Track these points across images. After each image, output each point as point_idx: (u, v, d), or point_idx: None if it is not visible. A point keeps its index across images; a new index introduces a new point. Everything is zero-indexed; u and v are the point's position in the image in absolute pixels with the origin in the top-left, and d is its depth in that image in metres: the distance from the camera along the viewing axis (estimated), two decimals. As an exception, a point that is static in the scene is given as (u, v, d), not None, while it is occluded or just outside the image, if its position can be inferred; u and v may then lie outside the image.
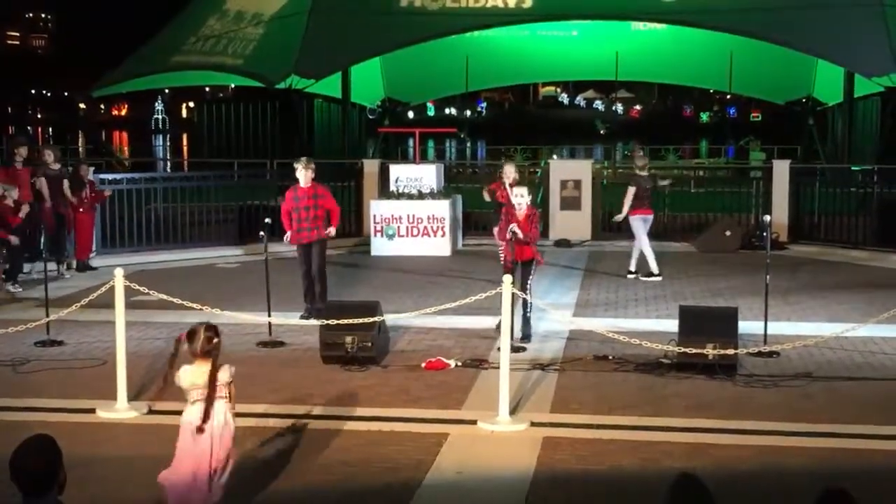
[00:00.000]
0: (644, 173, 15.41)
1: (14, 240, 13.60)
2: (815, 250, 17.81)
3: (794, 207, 18.85)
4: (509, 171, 14.58)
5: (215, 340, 5.85)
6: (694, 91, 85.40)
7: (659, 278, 14.82)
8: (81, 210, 15.79)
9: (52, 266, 14.47)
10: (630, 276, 15.02)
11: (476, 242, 18.74)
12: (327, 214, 12.23)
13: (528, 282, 11.05)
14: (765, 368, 9.78)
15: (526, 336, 10.98)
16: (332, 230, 12.25)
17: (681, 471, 4.19)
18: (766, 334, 10.45)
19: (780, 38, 23.12)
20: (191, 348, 5.82)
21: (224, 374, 5.89)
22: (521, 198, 11.14)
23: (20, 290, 13.89)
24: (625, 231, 19.48)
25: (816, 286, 14.38)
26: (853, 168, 22.20)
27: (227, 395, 5.91)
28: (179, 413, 7.97)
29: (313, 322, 10.90)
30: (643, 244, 15.06)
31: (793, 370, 9.73)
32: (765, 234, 12.03)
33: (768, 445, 7.69)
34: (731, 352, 9.37)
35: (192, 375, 5.86)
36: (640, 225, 15.13)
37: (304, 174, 12.06)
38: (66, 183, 15.47)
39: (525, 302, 10.85)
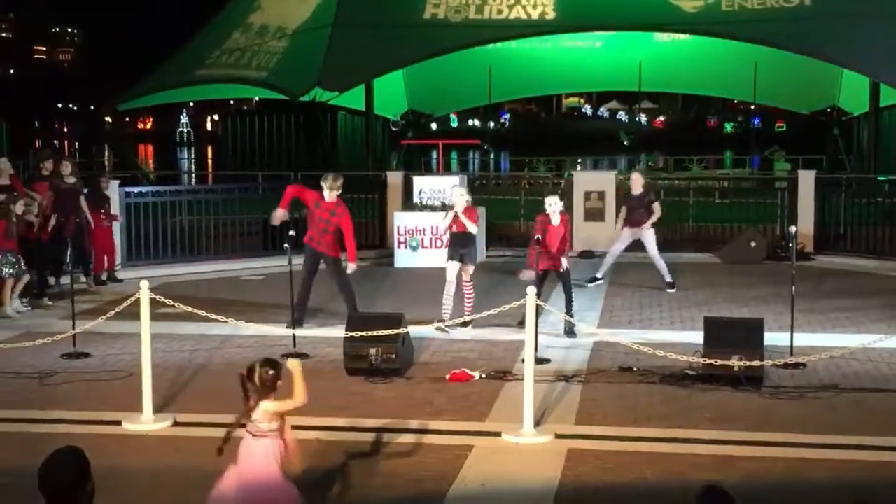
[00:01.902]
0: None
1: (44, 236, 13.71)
2: (840, 261, 17.69)
3: (820, 218, 18.73)
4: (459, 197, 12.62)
5: (272, 373, 5.76)
6: (718, 101, 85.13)
7: (600, 282, 15.35)
8: (104, 224, 15.82)
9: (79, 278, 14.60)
10: (670, 290, 14.93)
11: (500, 254, 18.72)
12: (339, 233, 12.24)
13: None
14: (791, 380, 9.71)
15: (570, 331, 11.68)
16: (351, 266, 12.10)
17: (708, 482, 4.17)
18: (792, 346, 10.37)
19: (804, 48, 23.01)
20: (252, 387, 5.73)
21: (268, 408, 5.76)
22: (553, 206, 11.86)
23: (50, 303, 13.97)
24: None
25: (843, 297, 14.28)
26: (879, 178, 22.04)
27: (276, 430, 5.79)
28: (205, 425, 8.05)
29: (338, 334, 10.92)
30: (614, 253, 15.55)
31: (819, 382, 9.67)
32: (790, 244, 11.96)
33: (795, 458, 7.63)
34: (756, 363, 9.32)
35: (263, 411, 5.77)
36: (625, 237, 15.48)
37: (327, 193, 12.09)
38: (81, 197, 15.39)
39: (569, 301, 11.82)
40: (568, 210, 19.14)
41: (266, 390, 5.73)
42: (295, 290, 11.53)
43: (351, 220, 12.35)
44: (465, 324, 11.76)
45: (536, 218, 12.18)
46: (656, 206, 15.35)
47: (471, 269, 12.10)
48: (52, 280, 14.95)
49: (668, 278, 15.10)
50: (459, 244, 12.03)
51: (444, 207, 16.89)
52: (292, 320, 11.48)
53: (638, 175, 16.03)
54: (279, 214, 12.32)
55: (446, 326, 11.66)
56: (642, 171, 16.68)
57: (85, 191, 15.61)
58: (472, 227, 11.99)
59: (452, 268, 12.00)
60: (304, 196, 12.28)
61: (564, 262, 11.89)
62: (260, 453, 5.72)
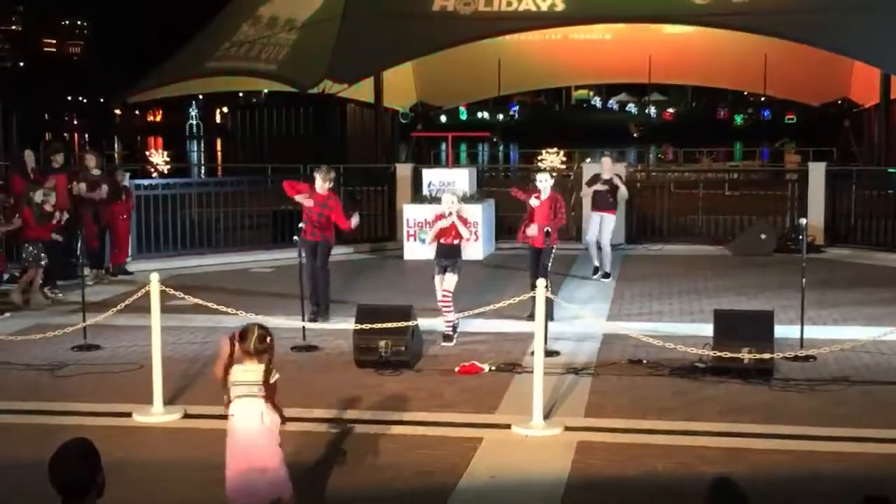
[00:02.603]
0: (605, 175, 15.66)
1: (56, 237, 13.75)
2: (851, 253, 17.65)
3: (831, 210, 18.67)
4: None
5: (268, 339, 5.84)
6: (728, 93, 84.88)
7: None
8: (124, 216, 15.93)
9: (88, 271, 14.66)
10: (604, 279, 15.12)
11: (510, 246, 18.68)
12: (334, 224, 12.38)
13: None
14: (801, 373, 9.70)
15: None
16: (355, 219, 12.39)
17: (718, 475, 4.17)
18: (802, 338, 10.36)
19: (814, 40, 22.90)
20: (243, 346, 5.80)
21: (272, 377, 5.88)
22: (543, 182, 12.28)
23: (60, 295, 14.01)
24: (659, 234, 19.49)
25: (853, 289, 14.24)
26: (889, 170, 21.95)
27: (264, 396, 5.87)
28: (215, 417, 8.05)
29: (346, 326, 10.93)
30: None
31: (829, 374, 9.65)
32: (800, 237, 11.93)
33: (804, 450, 7.63)
34: (766, 356, 9.30)
35: (238, 373, 5.85)
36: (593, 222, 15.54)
37: (320, 184, 12.24)
38: (104, 188, 15.51)
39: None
40: (577, 200, 19.18)
41: (256, 354, 5.80)
42: (304, 283, 11.57)
43: (342, 215, 12.41)
44: (446, 337, 11.19)
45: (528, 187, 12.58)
46: (623, 190, 15.62)
47: (454, 280, 11.27)
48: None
49: (608, 268, 15.21)
50: (444, 255, 11.38)
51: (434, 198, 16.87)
52: (312, 312, 11.76)
53: (608, 160, 16.15)
54: (305, 200, 12.35)
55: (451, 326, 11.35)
56: (612, 156, 16.78)
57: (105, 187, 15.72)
58: (466, 235, 11.40)
59: (439, 283, 11.36)
60: (297, 189, 12.42)
61: (547, 240, 11.80)
62: (262, 415, 5.82)
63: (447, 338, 11.22)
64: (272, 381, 5.87)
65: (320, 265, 12.34)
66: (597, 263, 15.39)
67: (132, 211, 16.54)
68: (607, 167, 15.91)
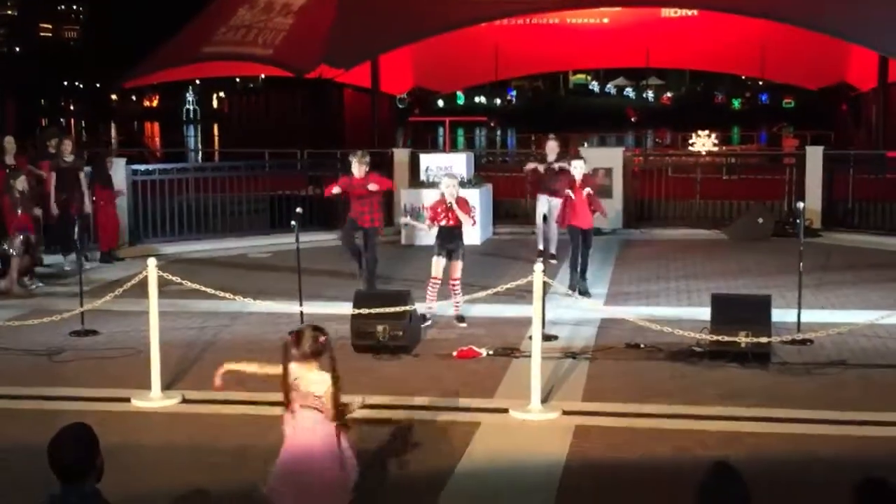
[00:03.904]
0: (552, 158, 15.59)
1: (38, 211, 13.76)
2: (848, 237, 17.64)
3: (828, 194, 18.67)
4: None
5: (322, 339, 5.59)
6: (725, 77, 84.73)
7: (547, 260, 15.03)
8: (101, 202, 15.78)
9: (69, 257, 14.66)
10: (552, 260, 14.90)
11: (507, 231, 18.71)
12: (381, 204, 12.90)
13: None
14: (798, 356, 9.71)
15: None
16: (371, 186, 12.58)
17: (715, 459, 4.18)
18: (799, 322, 10.38)
19: (812, 23, 22.88)
20: (299, 351, 5.53)
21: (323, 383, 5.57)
22: (578, 169, 12.60)
23: (40, 285, 13.85)
24: (656, 219, 19.49)
25: (850, 273, 14.25)
26: (888, 154, 21.95)
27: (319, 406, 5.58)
28: (213, 402, 8.07)
29: (344, 311, 10.93)
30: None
31: (826, 358, 9.66)
32: (798, 221, 11.93)
33: (802, 433, 7.65)
34: (764, 340, 9.31)
35: (299, 377, 5.58)
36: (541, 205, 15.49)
37: (357, 167, 12.51)
38: (81, 175, 15.41)
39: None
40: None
41: (313, 356, 5.55)
42: (327, 273, 11.68)
43: (385, 180, 13.15)
44: (460, 319, 11.34)
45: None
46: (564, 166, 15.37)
47: (459, 265, 11.37)
48: (61, 258, 15.03)
49: (553, 250, 15.08)
50: (447, 239, 11.37)
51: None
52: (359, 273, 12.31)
53: (554, 143, 15.91)
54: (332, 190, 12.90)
55: (428, 316, 11.36)
56: (557, 139, 16.58)
57: (87, 169, 15.62)
58: (466, 221, 11.35)
59: (438, 264, 11.33)
60: (342, 185, 12.76)
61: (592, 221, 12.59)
62: (316, 425, 5.53)
63: (460, 319, 11.36)
64: (335, 393, 5.55)
65: (370, 251, 12.64)
66: (541, 247, 15.03)
67: (117, 198, 16.32)
68: (552, 150, 15.70)
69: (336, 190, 12.80)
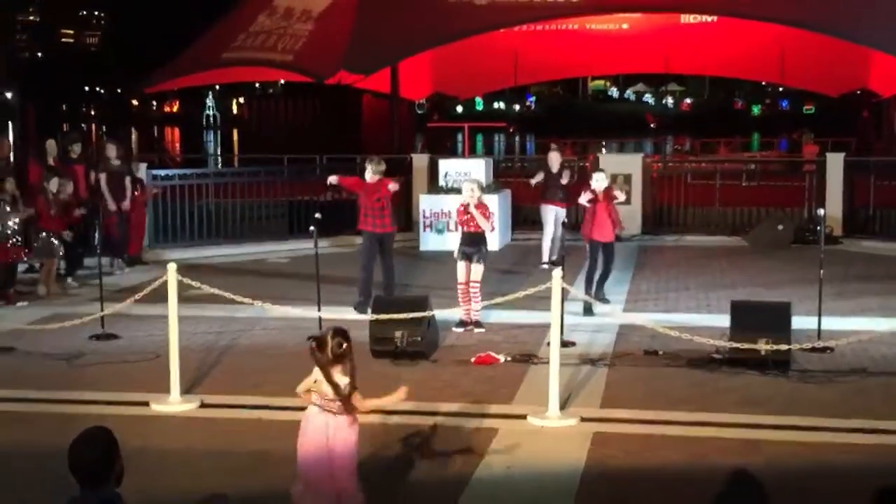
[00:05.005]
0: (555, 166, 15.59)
1: (67, 235, 13.74)
2: (869, 245, 17.55)
3: (849, 201, 18.57)
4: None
5: (345, 345, 5.72)
6: (745, 84, 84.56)
7: (545, 266, 15.03)
8: (136, 206, 15.97)
9: (105, 261, 14.74)
10: (543, 265, 15.09)
11: (525, 237, 18.68)
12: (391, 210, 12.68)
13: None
14: (818, 364, 9.66)
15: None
16: (392, 185, 12.54)
17: (733, 467, 4.16)
18: (819, 329, 10.32)
19: (832, 29, 22.78)
20: (322, 356, 5.69)
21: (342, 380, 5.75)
22: (598, 182, 12.40)
23: (76, 285, 14.09)
24: (675, 225, 19.44)
25: (871, 281, 14.17)
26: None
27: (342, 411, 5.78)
28: (232, 407, 8.10)
29: (363, 317, 10.95)
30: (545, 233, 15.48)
31: (847, 366, 9.61)
32: (818, 228, 11.87)
33: (822, 442, 7.60)
34: (783, 347, 9.26)
35: (320, 380, 5.76)
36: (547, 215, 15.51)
37: (370, 175, 12.38)
38: (127, 179, 15.56)
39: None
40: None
41: (336, 360, 5.68)
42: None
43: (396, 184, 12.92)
44: (478, 324, 11.36)
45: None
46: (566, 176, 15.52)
47: (480, 269, 11.43)
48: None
49: (554, 258, 15.04)
50: (467, 243, 11.49)
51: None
52: (358, 303, 11.92)
53: (556, 154, 15.93)
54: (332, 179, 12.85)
55: (470, 322, 11.43)
56: (559, 150, 16.66)
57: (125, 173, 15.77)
58: (485, 226, 11.43)
59: (462, 269, 11.46)
60: (357, 184, 12.68)
61: (614, 234, 12.46)
62: (336, 428, 5.77)
63: (478, 324, 11.37)
64: (353, 395, 5.77)
65: (387, 258, 12.50)
66: (545, 258, 15.36)
67: (147, 202, 16.56)
68: (555, 161, 15.69)
69: (349, 182, 12.79)
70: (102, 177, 15.25)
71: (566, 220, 14.50)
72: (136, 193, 15.95)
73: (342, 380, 5.71)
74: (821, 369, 9.49)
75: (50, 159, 15.22)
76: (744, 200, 20.16)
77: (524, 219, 19.65)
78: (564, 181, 15.54)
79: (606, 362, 9.91)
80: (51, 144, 15.51)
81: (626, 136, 59.56)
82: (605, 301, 12.40)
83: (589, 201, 12.38)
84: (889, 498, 3.75)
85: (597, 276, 12.50)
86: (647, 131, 75.39)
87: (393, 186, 12.55)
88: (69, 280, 14.10)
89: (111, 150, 15.66)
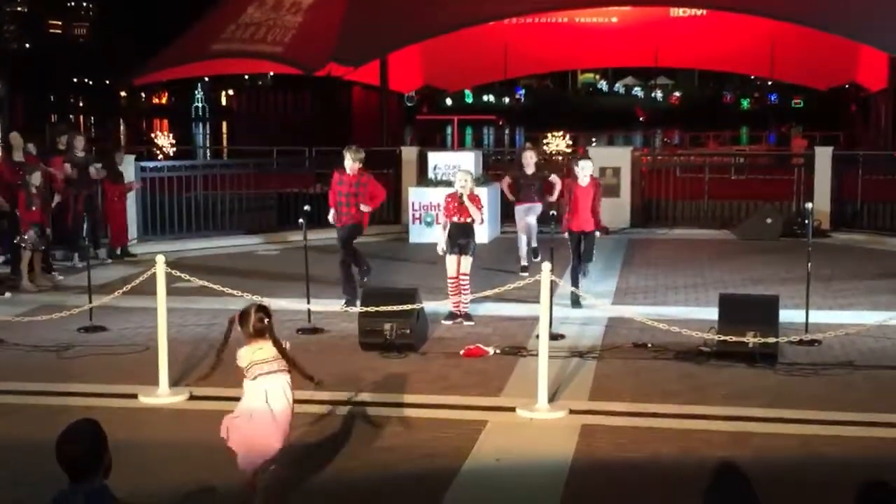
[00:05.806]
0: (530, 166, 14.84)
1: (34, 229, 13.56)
2: (857, 238, 17.60)
3: (837, 195, 18.62)
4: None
5: (266, 321, 6.02)
6: (735, 77, 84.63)
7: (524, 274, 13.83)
8: (115, 198, 15.82)
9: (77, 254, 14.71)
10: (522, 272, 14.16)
11: (514, 230, 18.66)
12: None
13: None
14: (806, 357, 9.70)
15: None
16: (364, 206, 12.07)
17: (721, 459, 4.18)
18: (807, 322, 10.36)
19: (822, 24, 22.83)
20: (244, 329, 6.03)
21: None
22: (584, 169, 12.11)
23: (60, 278, 14.01)
24: (664, 219, 19.47)
25: (859, 274, 14.22)
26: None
27: (287, 369, 6.13)
28: (220, 399, 8.08)
29: (352, 309, 10.95)
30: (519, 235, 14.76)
31: (834, 359, 9.65)
32: (806, 221, 11.91)
33: (809, 434, 7.64)
34: (771, 340, 9.30)
35: (249, 353, 6.06)
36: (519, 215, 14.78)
37: (349, 164, 12.06)
38: (92, 170, 15.44)
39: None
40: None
41: (258, 334, 6.03)
42: (334, 273, 11.63)
43: (379, 185, 12.45)
44: (467, 317, 11.31)
45: (563, 181, 12.47)
46: (555, 178, 14.75)
47: (469, 261, 11.29)
48: (71, 254, 15.10)
49: (534, 260, 14.37)
50: (459, 234, 11.29)
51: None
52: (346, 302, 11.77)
53: (531, 153, 15.23)
54: (333, 217, 12.33)
55: (459, 315, 11.39)
56: (534, 149, 16.20)
57: (98, 165, 15.65)
58: (477, 217, 11.31)
59: (452, 262, 11.29)
60: (332, 187, 12.28)
61: (592, 223, 12.13)
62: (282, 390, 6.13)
63: (468, 317, 11.31)
64: (286, 347, 6.12)
65: (349, 247, 12.15)
66: (524, 263, 14.58)
67: (128, 193, 16.36)
68: (529, 161, 14.78)
69: (331, 195, 12.29)
70: (66, 167, 15.17)
71: (554, 213, 14.27)
72: (114, 185, 15.80)
73: (267, 344, 6.08)
74: (808, 362, 9.52)
75: (17, 153, 14.97)
76: (732, 194, 20.19)
77: (513, 212, 19.61)
78: (554, 182, 14.75)
79: (595, 355, 9.93)
80: (15, 137, 15.30)
81: (615, 129, 59.62)
82: (577, 303, 11.83)
83: (560, 193, 12.26)
84: (875, 490, 3.77)
85: (570, 267, 12.19)
86: (637, 125, 75.47)
87: (365, 208, 12.08)
88: (55, 274, 14.00)
89: (78, 142, 15.56)
